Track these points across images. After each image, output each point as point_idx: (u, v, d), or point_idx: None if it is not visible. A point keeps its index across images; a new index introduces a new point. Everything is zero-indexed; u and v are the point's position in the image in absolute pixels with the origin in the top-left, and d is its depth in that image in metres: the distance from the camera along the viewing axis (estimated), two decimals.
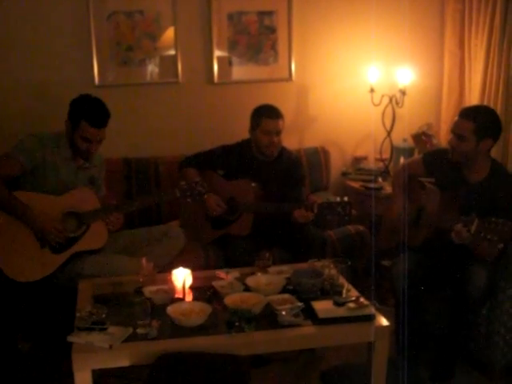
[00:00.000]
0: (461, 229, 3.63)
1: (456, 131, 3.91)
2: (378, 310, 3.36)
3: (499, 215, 3.55)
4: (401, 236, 3.92)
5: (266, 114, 4.56)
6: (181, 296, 3.48)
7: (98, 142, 4.10)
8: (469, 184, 3.96)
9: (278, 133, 4.55)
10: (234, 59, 5.46)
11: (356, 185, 5.46)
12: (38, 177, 4.05)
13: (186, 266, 3.61)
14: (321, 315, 3.23)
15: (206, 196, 4.32)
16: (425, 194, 4.11)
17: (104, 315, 3.19)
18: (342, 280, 3.61)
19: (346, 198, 4.05)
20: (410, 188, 4.17)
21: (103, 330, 3.08)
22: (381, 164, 5.62)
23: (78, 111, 4.06)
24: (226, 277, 3.77)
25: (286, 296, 3.45)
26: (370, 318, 3.25)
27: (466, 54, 5.43)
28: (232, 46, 5.41)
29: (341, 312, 3.28)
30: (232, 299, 3.37)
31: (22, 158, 3.98)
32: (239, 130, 4.71)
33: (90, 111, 4.04)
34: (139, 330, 3.11)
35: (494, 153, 4.08)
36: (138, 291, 3.47)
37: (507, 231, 3.46)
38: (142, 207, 4.22)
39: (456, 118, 3.96)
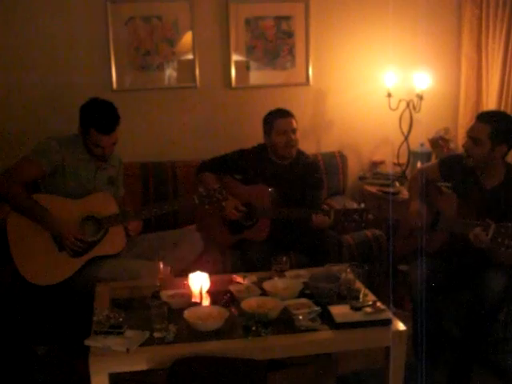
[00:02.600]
0: (479, 232, 3.62)
1: (472, 134, 3.89)
2: (394, 314, 3.35)
3: None
4: (418, 241, 3.91)
5: (278, 115, 4.58)
6: (198, 300, 3.49)
7: (111, 145, 4.10)
8: (484, 189, 3.94)
9: (294, 131, 4.55)
10: (252, 64, 5.47)
11: (373, 189, 5.44)
12: (58, 179, 4.06)
13: (203, 270, 3.62)
14: (338, 320, 3.23)
15: (224, 203, 4.34)
16: (442, 199, 4.11)
17: (121, 319, 3.19)
18: (358, 284, 3.60)
19: (362, 205, 4.06)
20: (427, 193, 4.16)
21: (120, 333, 3.09)
22: (398, 168, 5.61)
23: (86, 118, 4.05)
24: (243, 281, 3.77)
25: (303, 300, 3.45)
26: (387, 323, 3.24)
27: (483, 59, 5.42)
28: (249, 50, 5.43)
29: (358, 316, 3.27)
30: (249, 303, 3.37)
31: (41, 160, 3.99)
32: (256, 135, 4.72)
33: (97, 118, 4.01)
34: (156, 334, 3.12)
35: (510, 158, 4.06)
36: (155, 295, 3.48)
37: None
38: (161, 213, 4.22)
39: (473, 121, 3.94)
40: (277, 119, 4.56)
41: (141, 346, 3.05)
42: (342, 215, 4.09)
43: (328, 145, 5.66)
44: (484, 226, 3.61)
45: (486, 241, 3.60)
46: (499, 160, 3.90)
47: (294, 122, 4.57)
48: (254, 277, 3.83)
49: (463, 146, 3.99)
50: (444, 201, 4.08)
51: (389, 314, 3.30)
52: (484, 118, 3.89)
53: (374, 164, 5.74)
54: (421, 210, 4.11)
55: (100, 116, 4.03)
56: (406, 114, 5.47)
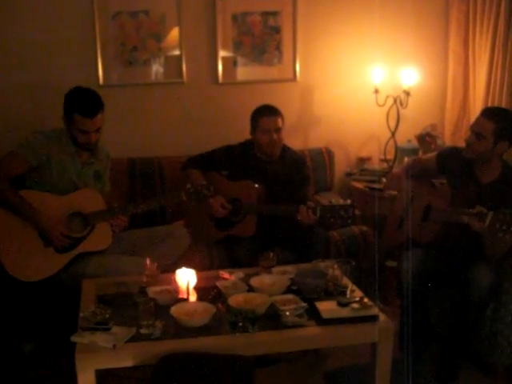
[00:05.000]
0: (478, 215, 3.64)
1: (476, 129, 3.90)
2: (381, 310, 3.36)
3: None
4: (407, 233, 3.92)
5: (263, 113, 4.56)
6: (185, 296, 3.48)
7: (96, 131, 4.09)
8: (480, 184, 3.95)
9: (277, 130, 4.53)
10: (239, 59, 5.46)
11: (360, 185, 5.44)
12: (44, 174, 4.05)
13: (190, 266, 3.61)
14: (325, 316, 3.23)
15: (210, 200, 4.33)
16: (433, 192, 4.12)
17: (108, 315, 3.18)
18: (345, 280, 3.61)
19: (348, 201, 4.04)
20: (419, 183, 4.19)
21: (107, 330, 3.08)
22: (385, 165, 5.61)
23: (69, 105, 4.07)
24: (229, 277, 3.77)
25: (290, 296, 3.45)
26: (374, 319, 3.25)
27: (471, 55, 5.43)
28: (237, 46, 5.42)
29: (345, 312, 3.28)
30: (236, 299, 3.37)
31: (28, 155, 3.99)
32: (244, 131, 4.70)
33: (79, 102, 4.03)
34: (143, 331, 3.12)
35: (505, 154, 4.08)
36: (142, 291, 3.47)
37: None
38: (148, 209, 4.21)
39: (477, 116, 3.95)
40: (262, 117, 4.54)
41: (127, 342, 3.04)
42: (328, 211, 4.06)
43: (315, 141, 5.66)
44: (481, 215, 3.62)
45: (484, 227, 3.61)
46: (497, 156, 3.92)
47: (279, 120, 4.54)
48: (240, 273, 3.82)
49: (465, 139, 4.00)
50: (436, 194, 4.10)
51: (376, 310, 3.31)
52: (489, 114, 3.91)
53: (361, 160, 5.74)
54: (408, 204, 4.13)
55: (82, 100, 4.05)
56: (393, 110, 5.47)
